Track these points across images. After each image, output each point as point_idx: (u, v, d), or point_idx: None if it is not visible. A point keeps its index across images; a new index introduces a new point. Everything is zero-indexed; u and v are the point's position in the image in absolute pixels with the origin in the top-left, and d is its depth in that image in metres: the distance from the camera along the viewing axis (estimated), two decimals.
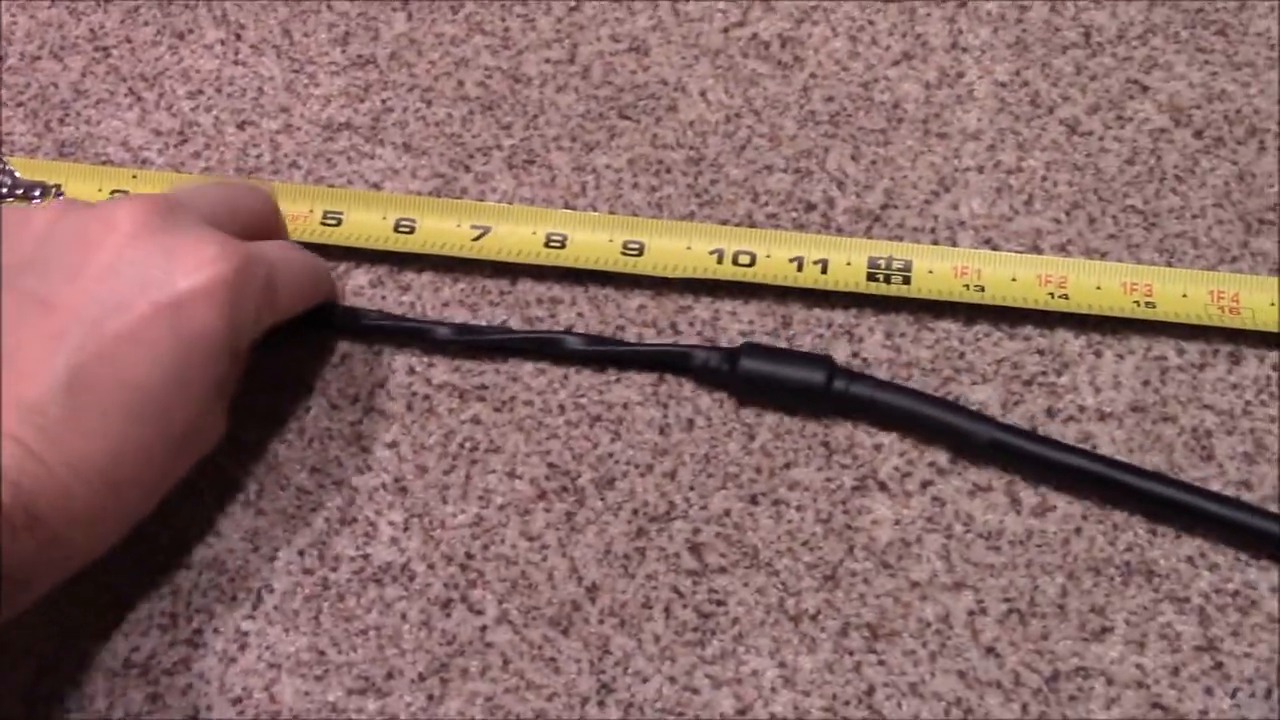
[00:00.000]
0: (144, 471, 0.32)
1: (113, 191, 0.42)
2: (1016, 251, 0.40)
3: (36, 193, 0.42)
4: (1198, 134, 0.42)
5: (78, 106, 0.45)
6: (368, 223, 0.41)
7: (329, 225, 0.41)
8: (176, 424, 0.32)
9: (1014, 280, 0.39)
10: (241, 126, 0.44)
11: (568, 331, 0.40)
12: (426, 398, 0.39)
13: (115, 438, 0.30)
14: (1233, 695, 0.34)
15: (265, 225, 0.38)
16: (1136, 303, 0.39)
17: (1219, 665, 0.34)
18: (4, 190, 0.42)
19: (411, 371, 0.39)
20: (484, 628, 0.36)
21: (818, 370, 0.37)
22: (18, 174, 0.43)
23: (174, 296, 0.31)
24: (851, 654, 0.35)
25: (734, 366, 0.38)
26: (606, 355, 0.39)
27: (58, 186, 0.42)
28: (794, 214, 0.42)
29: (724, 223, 0.42)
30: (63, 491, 0.29)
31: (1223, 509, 0.35)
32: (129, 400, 0.31)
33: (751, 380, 0.38)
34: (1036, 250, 0.41)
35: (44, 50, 0.46)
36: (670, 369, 0.39)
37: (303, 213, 0.41)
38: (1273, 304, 0.38)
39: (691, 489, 0.37)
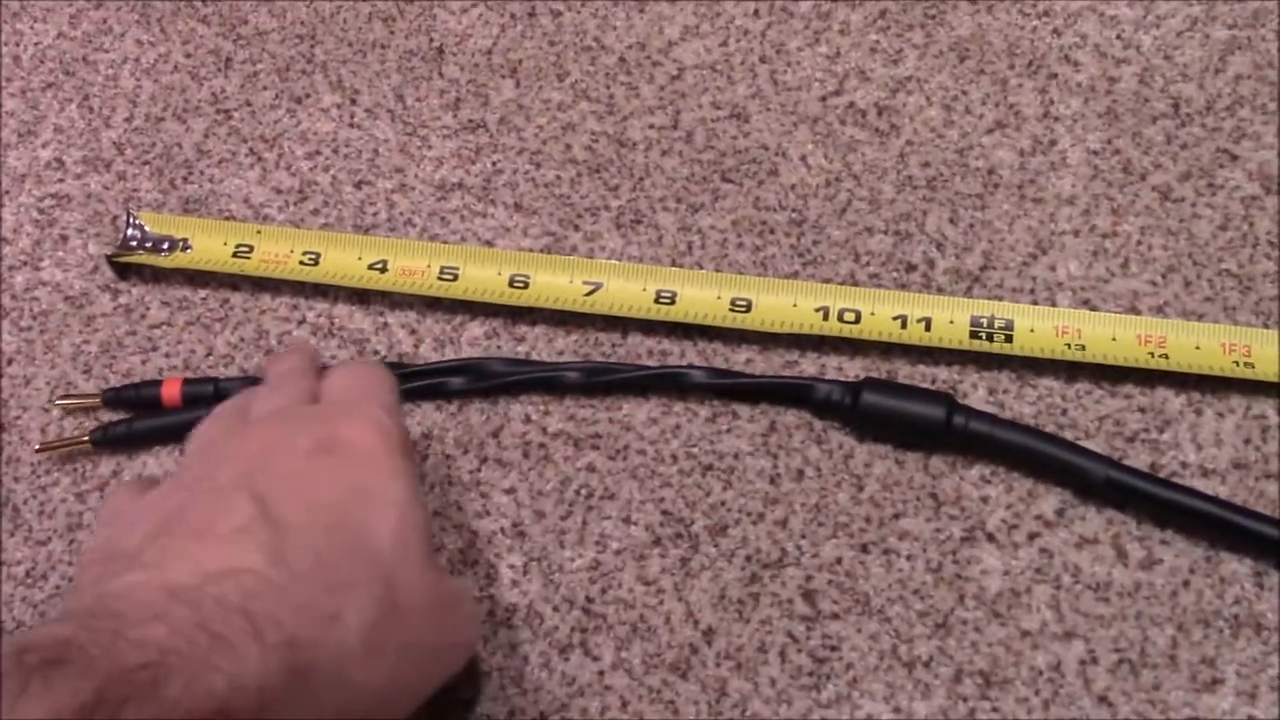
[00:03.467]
0: (354, 573, 0.30)
1: (237, 245, 0.44)
2: (1115, 312, 0.42)
3: (165, 245, 0.44)
4: None
5: (201, 165, 0.47)
6: (483, 278, 0.43)
7: (445, 280, 0.43)
8: (368, 532, 0.31)
9: (1114, 340, 0.40)
10: (358, 186, 0.46)
11: (691, 366, 0.41)
12: (542, 445, 0.40)
13: (315, 545, 0.29)
14: None
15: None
16: (1236, 362, 0.40)
17: None
18: (134, 244, 0.44)
19: (527, 420, 0.41)
20: (601, 672, 0.36)
21: (938, 406, 0.39)
22: (147, 228, 0.45)
23: (329, 433, 0.32)
24: (965, 700, 0.35)
25: (856, 400, 0.39)
26: (729, 388, 0.40)
27: (185, 240, 0.44)
28: (895, 274, 0.43)
29: (827, 282, 0.43)
30: (281, 592, 0.28)
31: None
32: (315, 513, 0.30)
33: (872, 414, 0.39)
34: (1134, 311, 0.42)
35: (168, 113, 0.49)
36: (792, 402, 0.40)
37: (420, 268, 0.43)
38: None
39: (803, 537, 0.38)
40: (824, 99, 0.47)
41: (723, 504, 0.39)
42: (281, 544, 0.29)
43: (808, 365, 0.41)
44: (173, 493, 0.32)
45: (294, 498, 0.30)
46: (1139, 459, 0.39)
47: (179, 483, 0.32)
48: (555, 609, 0.37)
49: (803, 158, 0.46)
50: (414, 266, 0.43)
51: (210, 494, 0.31)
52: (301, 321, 0.43)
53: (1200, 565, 0.37)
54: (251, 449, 0.32)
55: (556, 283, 0.43)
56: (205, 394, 0.41)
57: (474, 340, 0.43)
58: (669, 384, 0.41)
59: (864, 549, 0.38)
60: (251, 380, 0.41)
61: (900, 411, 0.39)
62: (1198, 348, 0.40)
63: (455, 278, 0.43)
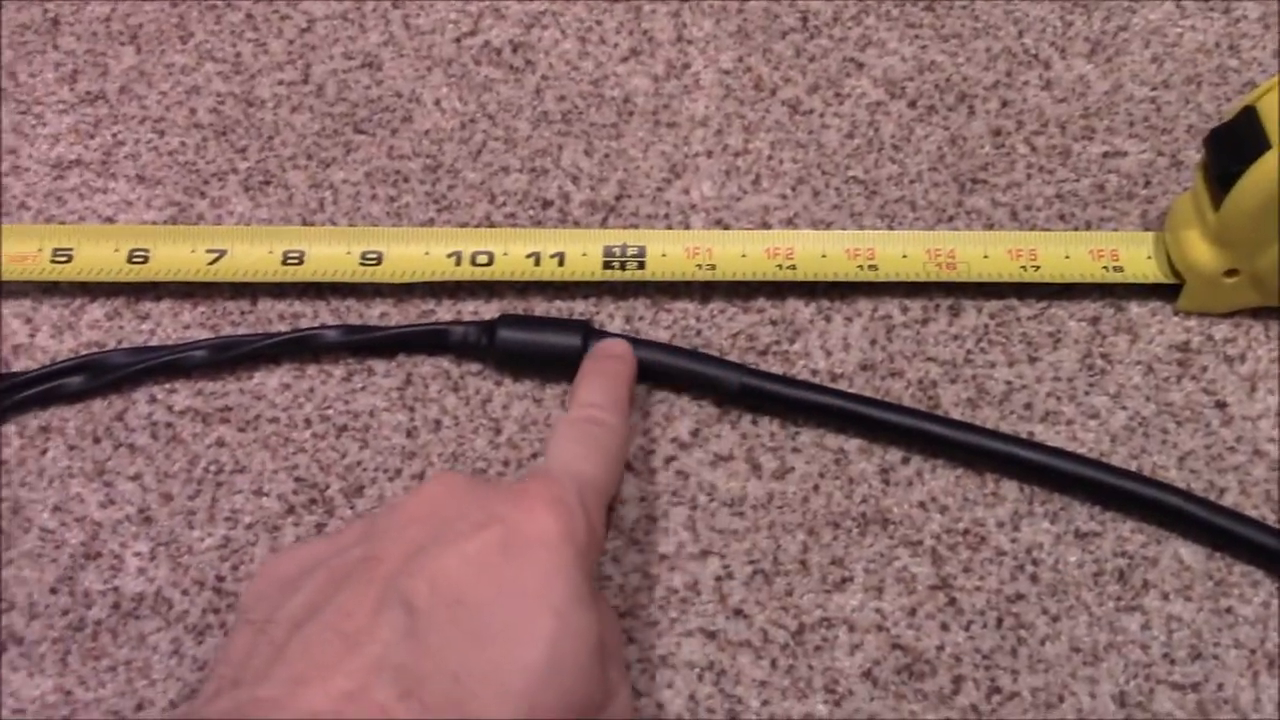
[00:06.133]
0: (491, 702, 0.27)
1: None
2: (746, 229, 0.42)
3: None
4: (911, 104, 0.44)
5: None
6: (99, 256, 0.40)
7: (59, 263, 0.40)
8: (517, 645, 0.27)
9: (744, 256, 0.40)
10: None
11: (323, 326, 0.40)
12: (169, 425, 0.38)
13: (454, 668, 0.27)
14: (966, 628, 0.35)
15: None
16: (860, 266, 0.40)
17: (953, 601, 0.35)
18: None
19: (153, 400, 0.39)
20: None
21: (574, 334, 0.38)
22: None
23: (502, 535, 0.29)
24: None
25: (492, 339, 0.38)
26: (365, 343, 0.39)
27: None
28: (531, 212, 0.42)
29: (463, 226, 0.42)
30: None
31: (960, 433, 0.37)
32: (464, 620, 0.28)
33: (510, 350, 0.39)
34: (765, 226, 0.42)
35: None
36: (429, 350, 0.40)
37: (31, 252, 0.40)
38: (986, 256, 0.40)
39: None
40: (458, 40, 0.46)
41: (359, 464, 0.38)
42: (419, 667, 0.27)
43: (444, 313, 0.41)
44: (329, 558, 0.30)
45: (443, 602, 0.28)
46: (772, 370, 0.39)
47: (339, 544, 0.31)
48: (185, 593, 0.36)
49: (436, 102, 0.45)
50: (23, 252, 0.41)
51: (364, 586, 0.28)
52: None
53: (830, 469, 0.37)
54: (411, 534, 0.29)
55: (178, 254, 0.41)
56: None
57: (95, 323, 0.40)
58: (301, 347, 0.39)
59: None
60: None
61: (537, 343, 0.39)
62: (824, 255, 0.40)
63: (69, 259, 0.41)
